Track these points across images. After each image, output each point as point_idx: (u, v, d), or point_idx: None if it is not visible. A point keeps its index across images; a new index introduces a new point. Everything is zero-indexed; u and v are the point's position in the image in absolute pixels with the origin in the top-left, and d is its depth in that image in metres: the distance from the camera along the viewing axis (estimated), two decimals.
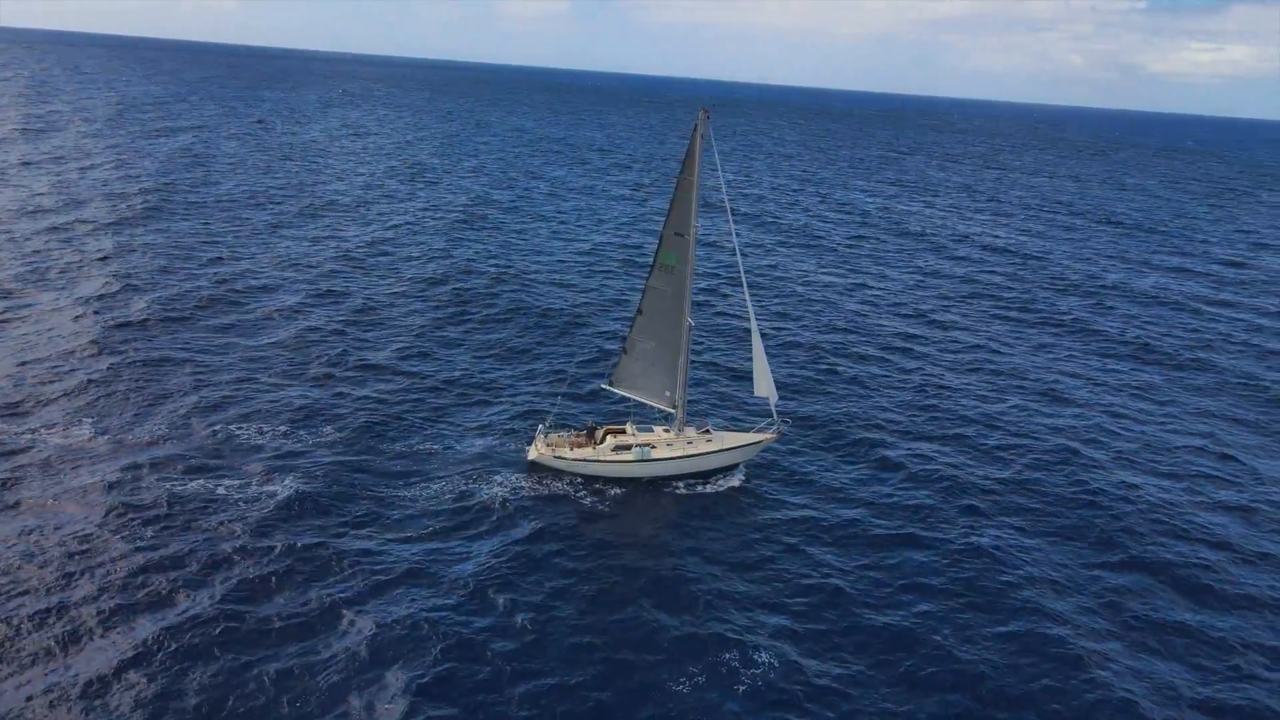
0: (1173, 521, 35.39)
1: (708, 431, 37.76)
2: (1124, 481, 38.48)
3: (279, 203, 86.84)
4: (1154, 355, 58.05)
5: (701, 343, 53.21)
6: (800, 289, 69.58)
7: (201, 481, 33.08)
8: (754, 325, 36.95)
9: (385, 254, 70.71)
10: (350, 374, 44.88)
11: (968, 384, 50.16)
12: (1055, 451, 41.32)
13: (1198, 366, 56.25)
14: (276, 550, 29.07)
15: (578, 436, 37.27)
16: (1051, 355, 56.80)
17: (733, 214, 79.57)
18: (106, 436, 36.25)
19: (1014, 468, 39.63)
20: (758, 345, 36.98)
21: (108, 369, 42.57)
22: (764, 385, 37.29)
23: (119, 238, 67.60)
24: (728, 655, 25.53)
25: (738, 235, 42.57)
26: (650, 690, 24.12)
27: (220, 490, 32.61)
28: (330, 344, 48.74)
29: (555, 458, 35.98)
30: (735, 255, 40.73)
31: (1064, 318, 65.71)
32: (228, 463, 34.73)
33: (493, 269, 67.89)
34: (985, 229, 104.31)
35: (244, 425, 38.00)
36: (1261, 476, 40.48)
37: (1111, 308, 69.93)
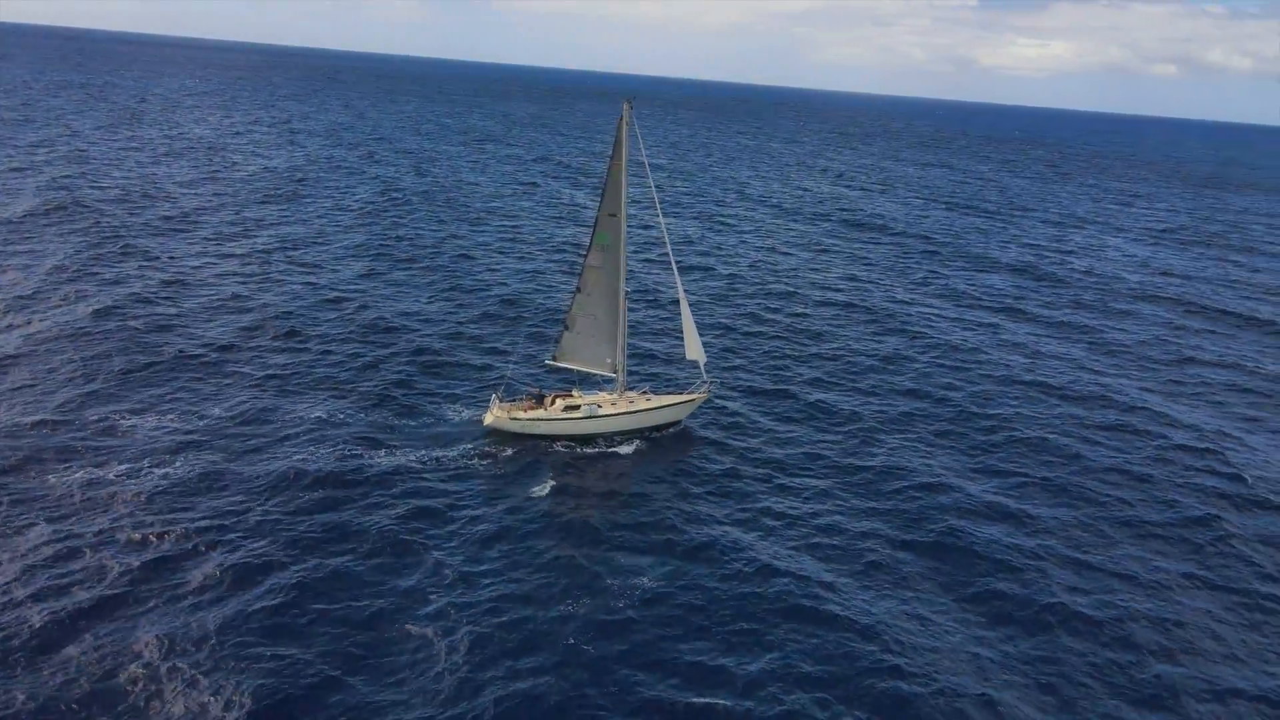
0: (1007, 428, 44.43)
1: (647, 394, 43.03)
2: (1010, 407, 47.60)
3: (179, 198, 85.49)
4: (1012, 312, 69.37)
5: (634, 313, 58.12)
6: (687, 260, 76.74)
7: (181, 470, 34.38)
8: (682, 295, 42.18)
9: (311, 243, 72.71)
10: (305, 357, 47.42)
11: (853, 333, 58.65)
12: (915, 385, 50.20)
13: (1029, 319, 67.63)
14: (250, 533, 30.70)
15: (528, 401, 41.55)
16: (920, 308, 66.14)
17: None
18: (73, 433, 36.91)
19: (891, 397, 47.93)
20: (686, 314, 42.24)
21: (58, 368, 43.51)
22: (694, 349, 42.74)
23: (14, 241, 66.39)
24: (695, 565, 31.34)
25: (661, 209, 48.88)
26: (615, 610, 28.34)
27: (194, 477, 34.00)
28: (276, 327, 50.95)
29: (511, 420, 40.13)
30: (662, 231, 45.95)
31: (926, 279, 75.76)
32: (197, 450, 36.15)
33: (418, 254, 71.68)
34: (845, 206, 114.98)
35: (210, 415, 39.60)
36: (1070, 397, 50.79)
37: (957, 273, 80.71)
